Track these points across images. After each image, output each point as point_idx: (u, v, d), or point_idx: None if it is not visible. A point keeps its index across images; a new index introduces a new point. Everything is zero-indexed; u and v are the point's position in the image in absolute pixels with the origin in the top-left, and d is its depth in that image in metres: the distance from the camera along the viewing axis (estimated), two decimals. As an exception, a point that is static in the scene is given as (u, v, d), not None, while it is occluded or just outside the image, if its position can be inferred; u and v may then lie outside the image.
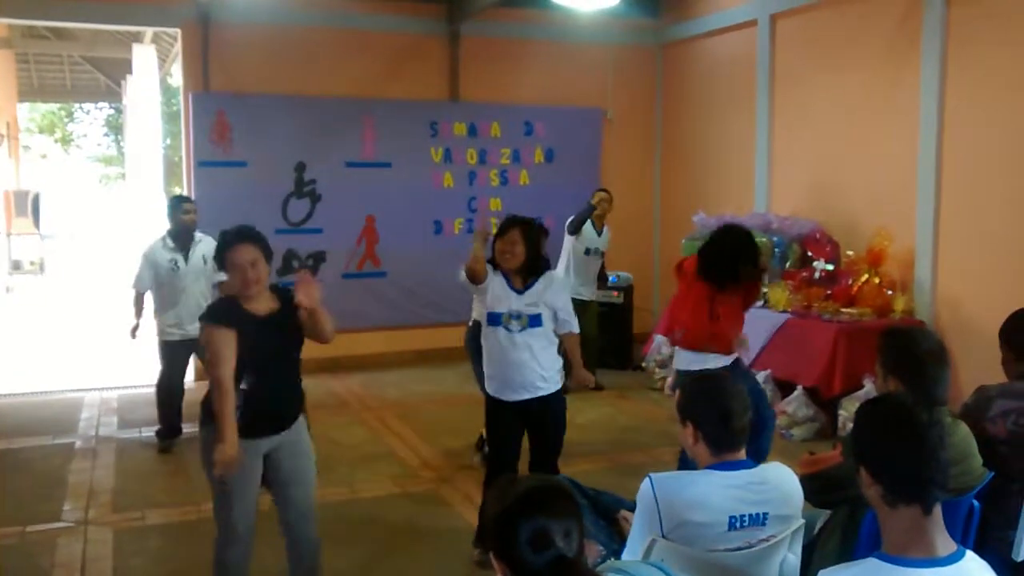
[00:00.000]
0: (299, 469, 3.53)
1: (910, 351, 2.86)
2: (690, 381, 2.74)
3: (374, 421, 6.83)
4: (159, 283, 6.05)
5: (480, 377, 4.47)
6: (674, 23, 9.24)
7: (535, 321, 4.14)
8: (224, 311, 3.35)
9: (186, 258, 6.05)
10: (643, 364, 8.05)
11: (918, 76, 6.36)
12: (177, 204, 6.16)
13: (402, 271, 8.64)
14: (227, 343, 3.25)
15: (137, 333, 6.17)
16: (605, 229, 7.55)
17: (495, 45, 8.86)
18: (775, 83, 7.87)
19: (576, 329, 4.31)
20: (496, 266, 4.17)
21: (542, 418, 4.22)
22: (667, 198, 9.61)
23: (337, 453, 5.93)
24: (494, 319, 4.13)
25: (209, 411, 3.32)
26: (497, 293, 4.13)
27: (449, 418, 6.81)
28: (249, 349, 3.30)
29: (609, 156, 9.41)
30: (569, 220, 7.35)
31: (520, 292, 4.14)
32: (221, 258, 3.39)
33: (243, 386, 3.31)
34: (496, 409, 4.22)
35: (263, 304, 3.39)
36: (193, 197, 7.26)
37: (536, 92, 9.05)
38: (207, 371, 3.37)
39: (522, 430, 4.25)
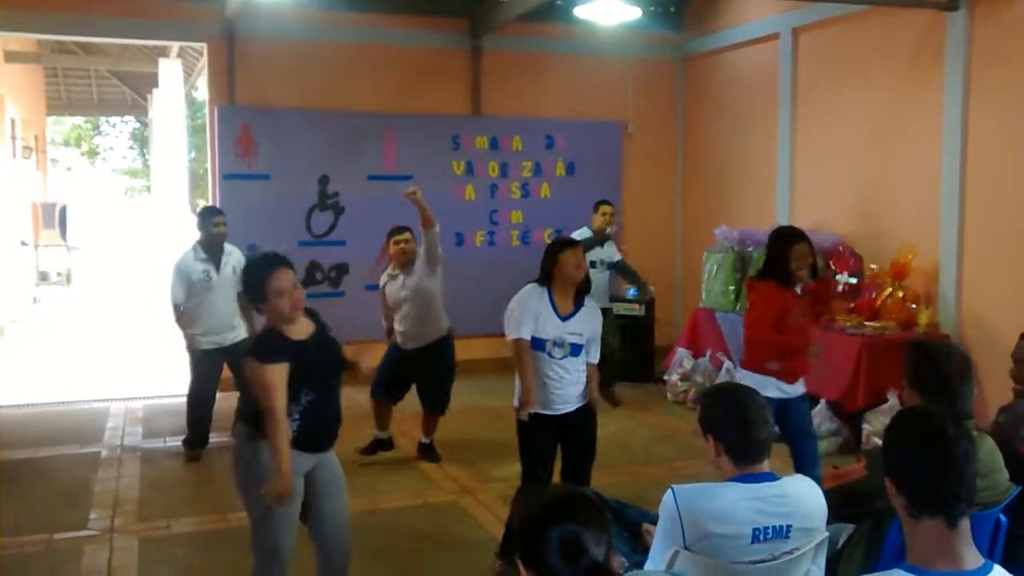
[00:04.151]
0: (335, 482, 3.55)
1: (935, 365, 2.86)
2: (709, 392, 2.75)
3: (395, 432, 6.83)
4: (191, 293, 6.10)
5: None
6: (696, 36, 9.26)
7: (576, 350, 4.16)
8: (274, 346, 3.26)
9: (218, 269, 6.11)
10: (664, 377, 8.03)
11: (941, 89, 6.33)
12: (208, 216, 6.23)
13: (424, 283, 8.65)
14: (282, 378, 3.20)
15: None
16: (609, 238, 7.45)
17: (517, 59, 8.90)
18: (797, 96, 7.85)
19: (596, 360, 4.29)
20: (547, 283, 4.12)
21: (582, 427, 4.24)
22: (688, 211, 9.60)
23: (358, 463, 5.95)
24: (538, 344, 4.11)
25: (252, 426, 3.31)
26: (543, 316, 4.11)
27: (469, 430, 6.82)
28: (304, 371, 3.26)
29: (630, 169, 9.42)
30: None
31: (564, 319, 4.13)
32: (260, 286, 3.25)
33: (302, 404, 3.30)
34: (533, 424, 4.16)
35: (302, 327, 3.37)
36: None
37: (557, 105, 9.07)
38: (261, 403, 3.22)
39: (556, 446, 4.24)
